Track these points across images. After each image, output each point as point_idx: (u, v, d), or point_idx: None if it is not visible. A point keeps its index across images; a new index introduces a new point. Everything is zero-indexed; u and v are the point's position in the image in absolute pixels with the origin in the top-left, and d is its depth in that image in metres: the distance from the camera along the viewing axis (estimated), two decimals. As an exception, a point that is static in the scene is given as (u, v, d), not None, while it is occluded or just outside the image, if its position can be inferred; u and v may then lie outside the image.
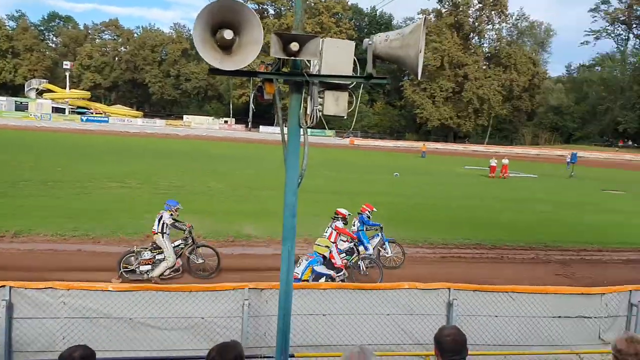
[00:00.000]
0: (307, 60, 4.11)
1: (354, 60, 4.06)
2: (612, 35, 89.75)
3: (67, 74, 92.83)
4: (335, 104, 4.11)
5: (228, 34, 3.66)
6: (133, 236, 13.84)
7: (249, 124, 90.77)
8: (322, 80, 4.07)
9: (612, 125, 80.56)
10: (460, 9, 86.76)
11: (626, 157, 67.60)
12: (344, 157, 52.16)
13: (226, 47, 3.81)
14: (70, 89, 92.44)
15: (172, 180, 24.88)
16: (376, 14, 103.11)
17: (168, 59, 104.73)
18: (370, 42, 4.07)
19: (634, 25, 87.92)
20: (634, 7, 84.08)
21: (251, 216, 17.40)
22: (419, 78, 4.28)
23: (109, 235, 13.88)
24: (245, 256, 13.25)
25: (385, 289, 7.08)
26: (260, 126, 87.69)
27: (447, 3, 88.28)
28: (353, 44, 4.04)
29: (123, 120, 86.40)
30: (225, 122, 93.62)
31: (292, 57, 3.88)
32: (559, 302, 7.41)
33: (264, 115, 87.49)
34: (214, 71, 3.89)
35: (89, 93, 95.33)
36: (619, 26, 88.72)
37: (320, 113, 4.13)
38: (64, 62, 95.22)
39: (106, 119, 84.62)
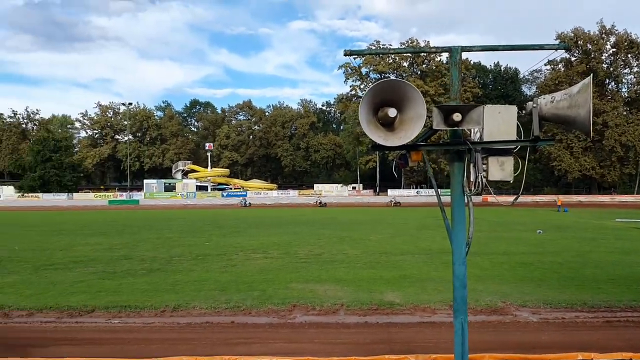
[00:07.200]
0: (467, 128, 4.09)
1: (517, 124, 3.98)
2: None
3: (208, 154, 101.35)
4: (500, 169, 4.03)
5: (392, 112, 3.78)
6: (281, 306, 14.21)
7: (377, 188, 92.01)
8: (487, 146, 4.03)
9: None
10: (592, 55, 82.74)
11: None
12: (480, 215, 50.32)
13: (388, 125, 3.93)
14: (211, 167, 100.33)
15: (311, 249, 25.48)
16: (500, 70, 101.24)
17: (297, 132, 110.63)
18: (534, 105, 3.99)
19: None
20: None
21: (391, 283, 17.19)
22: (590, 137, 4.11)
23: (258, 306, 14.37)
24: (391, 325, 12.98)
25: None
26: (388, 190, 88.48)
27: (577, 51, 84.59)
28: (515, 108, 3.96)
29: (259, 193, 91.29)
30: (354, 187, 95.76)
31: (454, 128, 3.89)
32: None
33: (392, 178, 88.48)
34: (376, 147, 4.01)
35: (228, 170, 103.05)
36: None
37: (485, 179, 4.05)
38: (205, 144, 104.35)
39: (244, 193, 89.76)
